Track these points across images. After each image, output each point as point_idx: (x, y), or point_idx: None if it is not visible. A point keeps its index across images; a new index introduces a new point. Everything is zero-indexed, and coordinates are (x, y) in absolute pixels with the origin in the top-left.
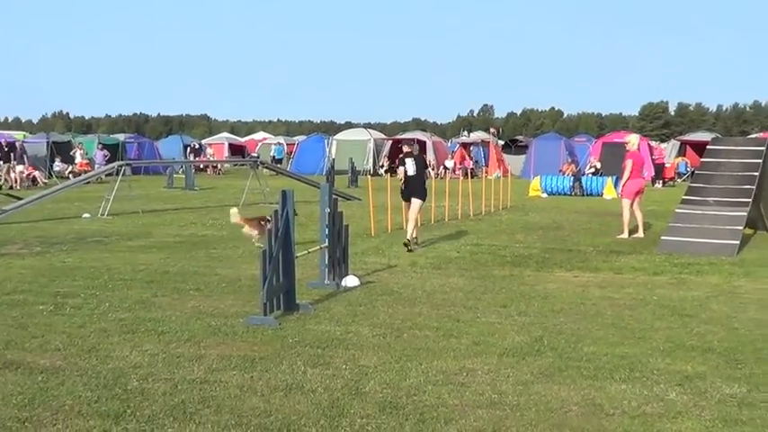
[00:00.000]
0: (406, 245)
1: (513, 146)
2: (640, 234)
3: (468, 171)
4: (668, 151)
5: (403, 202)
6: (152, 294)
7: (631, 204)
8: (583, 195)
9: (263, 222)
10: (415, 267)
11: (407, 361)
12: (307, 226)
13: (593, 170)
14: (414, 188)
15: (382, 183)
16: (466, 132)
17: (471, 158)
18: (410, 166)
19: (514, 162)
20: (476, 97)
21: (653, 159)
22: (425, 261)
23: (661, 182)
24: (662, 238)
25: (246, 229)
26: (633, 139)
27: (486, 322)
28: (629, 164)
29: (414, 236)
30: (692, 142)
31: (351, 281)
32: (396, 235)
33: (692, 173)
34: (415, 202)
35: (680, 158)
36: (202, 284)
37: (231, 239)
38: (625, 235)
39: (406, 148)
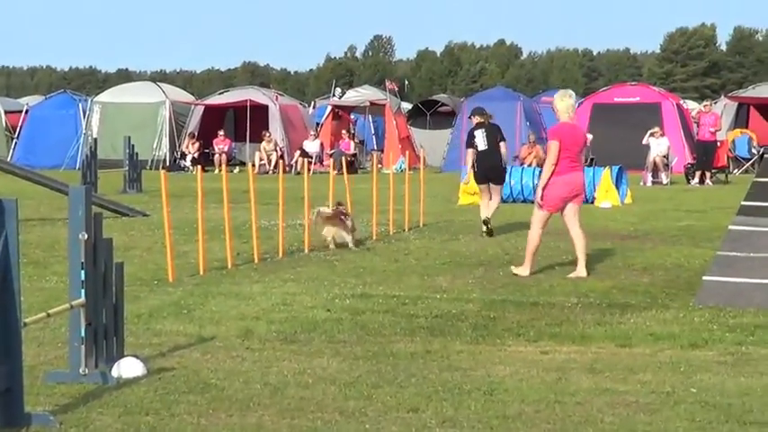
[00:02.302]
0: (485, 223)
1: (429, 113)
2: (581, 272)
3: (345, 160)
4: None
5: (478, 186)
6: None
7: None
8: None
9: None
10: (249, 340)
11: None
12: (46, 266)
13: None
14: (487, 166)
15: (188, 182)
16: (338, 90)
17: (352, 136)
18: (480, 140)
19: (432, 142)
20: (360, 25)
21: (692, 135)
22: (269, 328)
23: (707, 175)
24: (704, 278)
25: (330, 231)
26: (560, 102)
27: None
28: (552, 147)
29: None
30: (758, 102)
31: (129, 368)
32: (216, 277)
33: (761, 156)
34: (494, 189)
35: (737, 132)
36: None
37: None
38: (524, 271)
39: (476, 119)
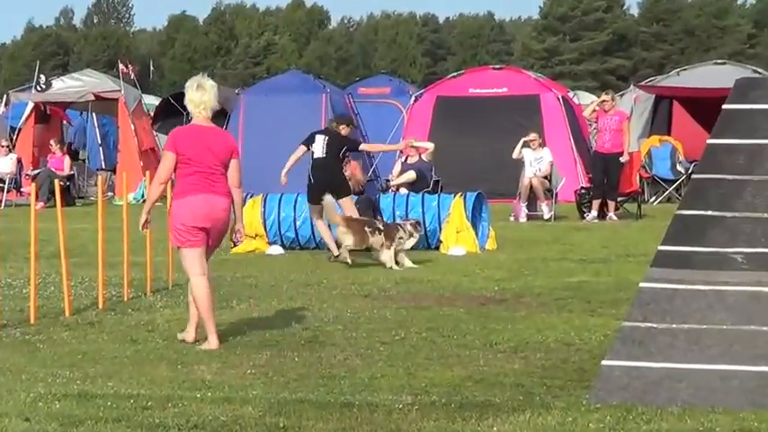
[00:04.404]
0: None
1: (186, 113)
2: (189, 334)
3: (57, 185)
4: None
5: (311, 207)
6: None
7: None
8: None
9: (367, 229)
10: None
11: None
12: None
13: (410, 176)
14: (325, 178)
15: None
16: (42, 78)
17: (67, 149)
18: (319, 146)
19: None
20: None
21: (587, 145)
22: None
23: (609, 205)
24: (604, 363)
25: (343, 232)
26: (189, 93)
27: None
28: (164, 159)
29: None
30: (686, 94)
31: None
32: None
33: (689, 177)
34: (344, 205)
35: (654, 139)
36: None
37: None
38: (189, 335)
39: (335, 126)
